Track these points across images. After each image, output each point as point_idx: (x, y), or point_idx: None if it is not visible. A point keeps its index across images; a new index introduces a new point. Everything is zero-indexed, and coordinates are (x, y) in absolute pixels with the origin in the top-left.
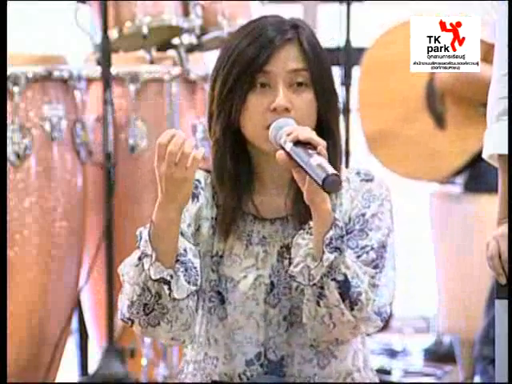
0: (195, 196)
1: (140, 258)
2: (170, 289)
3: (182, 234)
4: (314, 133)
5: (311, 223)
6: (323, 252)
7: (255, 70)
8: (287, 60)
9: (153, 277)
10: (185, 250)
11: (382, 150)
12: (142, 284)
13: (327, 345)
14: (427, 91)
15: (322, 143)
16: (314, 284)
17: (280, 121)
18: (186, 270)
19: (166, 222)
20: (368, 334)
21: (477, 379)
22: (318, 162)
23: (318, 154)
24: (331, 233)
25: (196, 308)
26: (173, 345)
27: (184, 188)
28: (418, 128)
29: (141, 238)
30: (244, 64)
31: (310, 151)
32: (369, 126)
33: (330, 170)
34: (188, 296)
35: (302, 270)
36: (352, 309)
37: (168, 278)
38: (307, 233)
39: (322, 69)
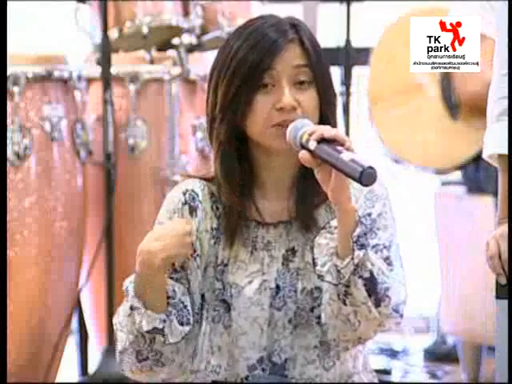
0: (193, 210)
1: (132, 308)
2: (163, 336)
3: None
4: (337, 130)
5: (331, 223)
6: (353, 250)
7: (260, 72)
8: (290, 59)
9: (145, 328)
10: (173, 291)
11: (393, 137)
12: (135, 332)
13: (347, 345)
14: (442, 84)
15: (348, 139)
16: (340, 282)
17: (297, 122)
18: (177, 311)
19: (152, 276)
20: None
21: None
22: (350, 157)
23: (347, 149)
24: (358, 230)
25: (200, 321)
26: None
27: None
28: (432, 117)
29: (127, 291)
30: (249, 67)
31: (338, 148)
32: (381, 113)
33: (365, 163)
34: (183, 338)
35: (330, 269)
36: (378, 305)
37: (160, 325)
38: (328, 232)
39: (323, 66)
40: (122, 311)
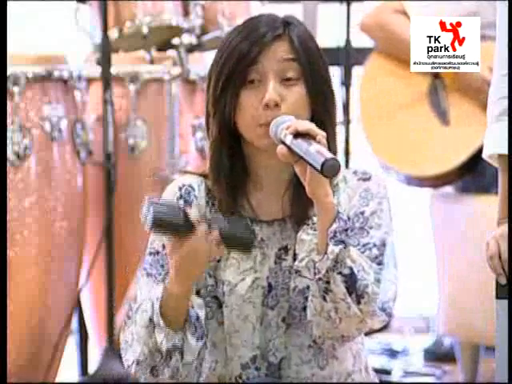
0: (188, 204)
1: (151, 321)
2: (181, 353)
3: None
4: (313, 124)
5: (315, 219)
6: (327, 245)
7: (246, 65)
8: (277, 53)
9: (164, 346)
10: (192, 306)
11: (385, 149)
12: (151, 346)
13: (331, 343)
14: (430, 90)
15: (321, 133)
16: (320, 279)
17: (280, 118)
18: (194, 328)
19: (182, 296)
20: (377, 331)
21: None
22: (316, 149)
23: (318, 142)
24: (335, 226)
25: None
26: None
27: (198, 261)
28: (422, 125)
29: (152, 308)
30: (235, 61)
31: (311, 141)
32: (372, 127)
33: (328, 155)
34: (198, 354)
35: (307, 264)
36: (359, 302)
37: (179, 343)
38: (311, 228)
39: (314, 64)
40: (139, 320)
